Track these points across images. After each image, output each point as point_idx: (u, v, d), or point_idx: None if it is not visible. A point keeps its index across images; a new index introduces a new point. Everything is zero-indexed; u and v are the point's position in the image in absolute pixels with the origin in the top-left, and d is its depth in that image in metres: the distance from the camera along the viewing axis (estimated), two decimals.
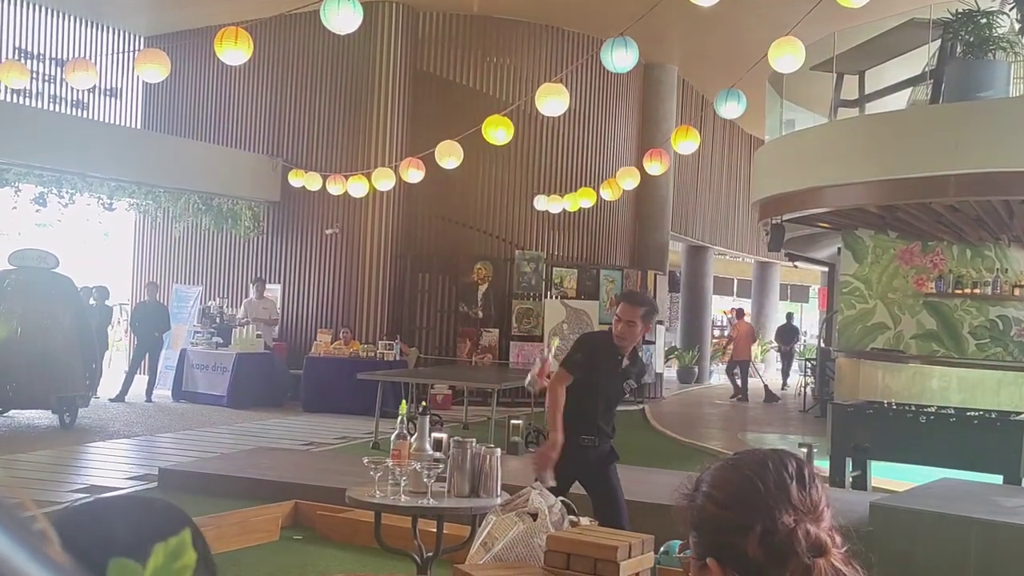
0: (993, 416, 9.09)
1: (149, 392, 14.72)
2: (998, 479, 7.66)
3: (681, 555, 1.50)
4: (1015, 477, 7.69)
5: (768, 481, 1.38)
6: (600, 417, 5.00)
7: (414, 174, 11.64)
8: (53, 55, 16.39)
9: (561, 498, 3.11)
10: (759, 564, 1.34)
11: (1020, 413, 8.90)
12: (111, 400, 14.15)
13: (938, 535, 5.51)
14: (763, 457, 1.43)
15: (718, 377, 25.15)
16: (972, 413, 9.21)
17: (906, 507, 5.58)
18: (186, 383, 14.75)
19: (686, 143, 9.66)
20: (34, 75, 15.13)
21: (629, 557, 2.65)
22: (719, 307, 29.84)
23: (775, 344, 24.10)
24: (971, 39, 10.28)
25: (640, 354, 5.35)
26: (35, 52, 16.10)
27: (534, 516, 2.95)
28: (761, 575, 1.34)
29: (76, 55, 16.22)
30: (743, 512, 1.37)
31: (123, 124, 17.39)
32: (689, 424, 14.44)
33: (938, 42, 11.03)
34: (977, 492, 6.60)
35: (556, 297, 16.02)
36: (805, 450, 9.19)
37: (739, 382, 18.84)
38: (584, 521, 3.01)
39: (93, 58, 15.16)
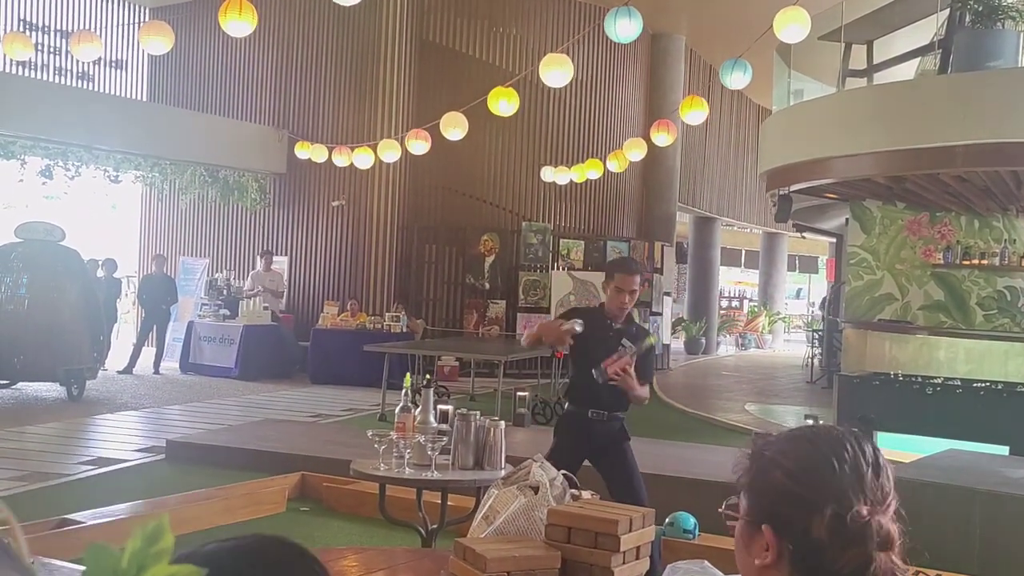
0: (1000, 387, 9.08)
1: (157, 364, 14.79)
2: (1004, 450, 7.66)
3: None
4: (1021, 448, 7.69)
5: (845, 464, 1.34)
6: (605, 390, 4.89)
7: (419, 145, 11.60)
8: (58, 27, 16.33)
9: (563, 471, 3.12)
10: (820, 545, 1.31)
11: None
12: (119, 372, 14.23)
13: (943, 506, 5.52)
14: (840, 437, 1.38)
15: (726, 348, 25.17)
16: (979, 384, 9.20)
17: (911, 478, 5.57)
18: (193, 355, 14.79)
19: (694, 113, 9.58)
20: (39, 47, 15.07)
21: (630, 531, 2.66)
22: (727, 278, 29.80)
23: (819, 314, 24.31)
24: (980, 8, 10.18)
25: (637, 321, 5.26)
26: (40, 24, 16.04)
27: (535, 489, 2.96)
28: (819, 555, 1.31)
29: (81, 27, 16.15)
30: (815, 490, 1.33)
31: (128, 96, 17.35)
32: (696, 395, 14.46)
33: (947, 11, 10.92)
34: (983, 463, 6.60)
35: (563, 269, 16.01)
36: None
37: None
38: (586, 495, 3.02)
39: (98, 30, 15.12)
